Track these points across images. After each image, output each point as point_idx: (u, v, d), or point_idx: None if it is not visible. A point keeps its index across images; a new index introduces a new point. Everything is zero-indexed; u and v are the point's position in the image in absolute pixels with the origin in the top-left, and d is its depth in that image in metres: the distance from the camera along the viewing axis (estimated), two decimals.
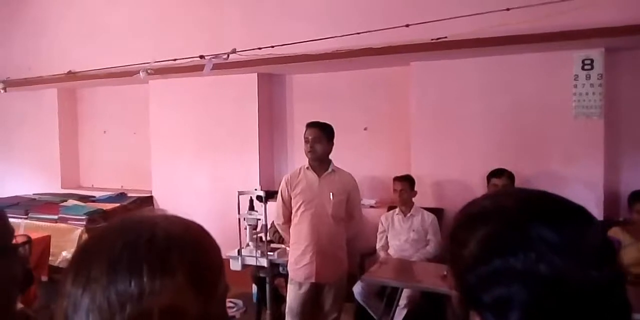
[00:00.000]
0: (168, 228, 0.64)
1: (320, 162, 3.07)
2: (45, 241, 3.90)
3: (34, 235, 3.73)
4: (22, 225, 4.66)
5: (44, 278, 3.78)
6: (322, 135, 3.03)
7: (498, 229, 0.61)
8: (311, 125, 3.07)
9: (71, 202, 5.08)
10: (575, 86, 3.67)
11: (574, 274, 0.56)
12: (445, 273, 0.68)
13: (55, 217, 4.74)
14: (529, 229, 0.59)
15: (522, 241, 0.58)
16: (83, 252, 0.64)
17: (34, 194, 5.67)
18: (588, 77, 3.64)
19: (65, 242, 4.48)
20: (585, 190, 3.63)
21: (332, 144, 3.09)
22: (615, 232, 3.23)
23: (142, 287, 0.58)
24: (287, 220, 3.15)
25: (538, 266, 0.56)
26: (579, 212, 0.63)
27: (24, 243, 3.03)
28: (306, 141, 3.04)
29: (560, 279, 0.56)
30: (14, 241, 0.95)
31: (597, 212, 3.59)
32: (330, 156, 3.12)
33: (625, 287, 0.60)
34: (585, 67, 3.64)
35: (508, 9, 3.18)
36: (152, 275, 0.58)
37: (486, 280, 0.59)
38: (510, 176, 3.56)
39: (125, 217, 0.68)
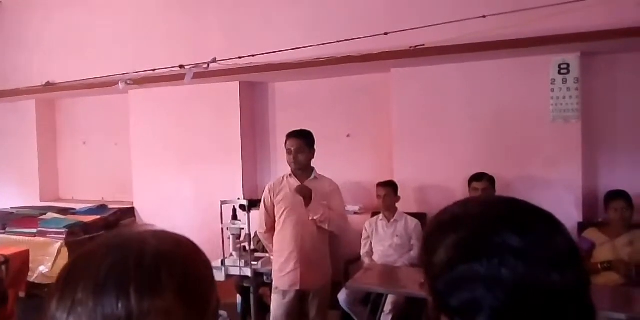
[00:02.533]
0: (157, 245, 0.61)
1: (303, 170, 3.07)
2: (24, 256, 3.80)
3: (12, 250, 3.64)
4: None
5: (22, 294, 3.68)
6: (304, 144, 3.03)
7: (464, 236, 0.63)
8: (292, 135, 3.07)
9: (50, 215, 4.98)
10: (553, 90, 3.74)
11: (536, 278, 0.58)
12: (422, 281, 0.70)
13: (34, 230, 4.64)
14: (493, 236, 0.61)
15: (487, 247, 0.60)
16: (68, 273, 0.61)
17: (11, 208, 5.55)
18: (565, 81, 3.71)
19: (43, 256, 4.38)
20: (564, 192, 3.69)
21: (314, 150, 3.09)
22: (590, 233, 3.29)
23: (130, 310, 0.55)
24: (270, 228, 3.13)
25: (500, 271, 0.58)
26: (544, 218, 0.65)
27: (0, 264, 2.98)
28: (289, 152, 3.04)
29: (522, 283, 0.58)
30: None
31: (576, 213, 3.65)
32: (314, 163, 3.12)
33: (589, 291, 0.62)
34: (562, 71, 3.71)
35: (484, 16, 3.24)
36: (140, 297, 0.56)
37: (453, 286, 0.61)
38: (490, 180, 3.60)
39: (113, 234, 0.66)
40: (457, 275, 0.60)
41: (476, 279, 0.59)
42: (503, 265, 0.58)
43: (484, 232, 0.62)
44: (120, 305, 0.55)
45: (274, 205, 3.09)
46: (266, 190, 3.15)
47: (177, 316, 0.57)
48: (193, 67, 3.96)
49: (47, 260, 4.37)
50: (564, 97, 3.72)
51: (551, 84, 3.74)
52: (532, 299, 0.58)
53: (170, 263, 0.60)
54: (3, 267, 3.08)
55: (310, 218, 2.97)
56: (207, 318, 0.62)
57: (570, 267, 0.60)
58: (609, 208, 3.27)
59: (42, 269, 4.33)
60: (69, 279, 0.60)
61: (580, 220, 3.64)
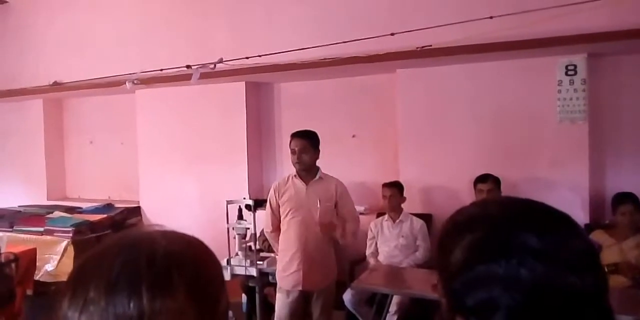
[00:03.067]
0: (167, 245, 0.62)
1: (308, 170, 3.07)
2: (31, 254, 3.83)
3: (19, 249, 3.67)
4: (4, 239, 4.58)
5: (29, 292, 3.70)
6: (308, 144, 3.03)
7: (482, 236, 0.62)
8: (296, 135, 3.07)
9: (57, 213, 5.01)
10: (560, 91, 3.73)
11: (554, 280, 0.58)
12: (435, 282, 0.70)
13: (41, 229, 4.66)
14: (512, 236, 0.60)
15: (505, 247, 0.60)
16: (80, 272, 0.61)
17: (19, 206, 5.58)
18: (572, 83, 3.70)
19: (50, 255, 4.41)
20: (571, 194, 3.67)
21: (318, 151, 3.09)
22: (597, 235, 3.27)
23: (142, 309, 0.55)
24: (276, 228, 3.14)
25: (519, 271, 0.58)
26: (563, 220, 0.64)
27: (10, 261, 3.02)
28: (293, 152, 3.04)
29: (540, 284, 0.58)
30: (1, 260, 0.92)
31: (582, 215, 3.64)
32: (319, 163, 3.12)
33: (607, 294, 0.61)
34: (569, 72, 3.70)
35: (491, 17, 3.23)
36: (152, 296, 0.56)
37: (470, 286, 0.60)
38: (495, 181, 3.59)
39: (122, 234, 0.67)
40: (475, 275, 0.60)
41: (494, 279, 0.59)
42: (522, 266, 0.58)
43: (502, 233, 0.61)
44: (132, 304, 0.56)
45: (279, 206, 3.10)
46: (271, 191, 3.16)
47: (188, 316, 0.58)
48: (200, 67, 3.98)
49: (53, 259, 4.39)
50: (571, 99, 3.70)
51: (558, 85, 3.73)
52: (549, 301, 0.57)
53: (181, 263, 0.60)
54: (13, 264, 3.09)
55: (340, 242, 3.07)
56: (217, 318, 0.62)
57: (589, 270, 0.60)
58: (616, 211, 3.24)
59: (48, 267, 4.36)
60: (80, 278, 0.60)
61: (587, 222, 3.62)
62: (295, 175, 3.09)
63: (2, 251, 3.28)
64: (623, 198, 3.25)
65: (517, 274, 0.58)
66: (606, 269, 3.06)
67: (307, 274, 2.99)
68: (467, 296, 0.61)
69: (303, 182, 3.05)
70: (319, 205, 2.99)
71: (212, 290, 0.63)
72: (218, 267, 0.67)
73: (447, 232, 0.68)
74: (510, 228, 0.62)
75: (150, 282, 0.57)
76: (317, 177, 3.07)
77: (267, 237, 3.30)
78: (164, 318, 0.56)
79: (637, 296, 2.87)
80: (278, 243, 3.15)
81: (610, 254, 3.15)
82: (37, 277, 4.12)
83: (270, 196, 3.14)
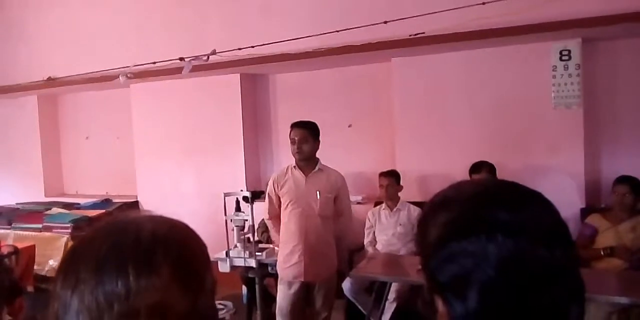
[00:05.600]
0: (153, 228, 0.65)
1: (307, 161, 3.07)
2: (30, 251, 3.84)
3: (18, 246, 3.67)
4: (11, 236, 4.58)
5: (30, 288, 3.72)
6: (308, 135, 3.02)
7: (455, 215, 0.64)
8: (297, 125, 3.06)
9: (55, 210, 5.00)
10: (554, 77, 3.72)
11: (524, 254, 0.59)
12: (419, 267, 0.73)
13: (40, 226, 4.66)
14: (483, 213, 0.62)
15: (476, 224, 0.61)
16: (71, 255, 0.65)
17: (16, 204, 5.57)
18: (566, 68, 3.69)
19: (52, 250, 4.42)
20: (567, 179, 3.69)
21: (319, 142, 3.09)
22: (593, 219, 3.29)
23: (129, 287, 0.59)
24: (274, 216, 3.17)
25: (488, 246, 0.59)
26: (534, 197, 0.66)
27: (10, 253, 2.99)
28: (292, 142, 3.03)
29: (510, 258, 0.59)
30: None
31: (579, 200, 3.66)
32: (316, 154, 3.12)
33: (578, 269, 0.63)
34: (563, 58, 3.69)
35: (484, 3, 3.22)
36: (137, 275, 0.60)
37: (443, 262, 0.62)
38: (490, 170, 3.57)
39: (112, 219, 0.70)
40: (448, 252, 0.61)
41: (465, 255, 0.60)
42: (490, 241, 0.59)
43: (473, 210, 0.63)
44: (119, 282, 0.59)
45: (279, 197, 3.10)
46: (270, 182, 3.16)
47: (173, 292, 0.61)
48: (193, 60, 3.96)
49: (56, 253, 4.40)
50: (566, 84, 3.70)
51: (552, 70, 3.72)
52: (520, 274, 0.59)
53: (166, 244, 0.64)
54: (13, 257, 3.09)
55: None
56: (203, 295, 0.65)
57: (559, 244, 0.61)
58: (613, 192, 3.27)
59: (52, 262, 4.37)
60: (72, 259, 0.64)
61: (583, 206, 3.64)
62: (294, 167, 3.09)
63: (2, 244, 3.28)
64: (620, 180, 3.27)
65: (486, 249, 0.59)
66: (602, 253, 3.09)
67: (309, 265, 3.00)
68: (441, 273, 0.62)
69: (302, 174, 3.06)
70: (318, 196, 3.00)
71: (197, 269, 0.66)
72: (202, 248, 0.70)
73: (425, 213, 0.70)
74: (482, 206, 0.63)
75: (136, 262, 0.61)
76: (317, 168, 3.07)
77: (267, 224, 3.33)
78: (150, 294, 0.60)
79: (633, 279, 2.90)
80: (277, 230, 3.17)
81: (606, 238, 3.17)
82: (42, 272, 4.14)
83: (270, 188, 3.15)
